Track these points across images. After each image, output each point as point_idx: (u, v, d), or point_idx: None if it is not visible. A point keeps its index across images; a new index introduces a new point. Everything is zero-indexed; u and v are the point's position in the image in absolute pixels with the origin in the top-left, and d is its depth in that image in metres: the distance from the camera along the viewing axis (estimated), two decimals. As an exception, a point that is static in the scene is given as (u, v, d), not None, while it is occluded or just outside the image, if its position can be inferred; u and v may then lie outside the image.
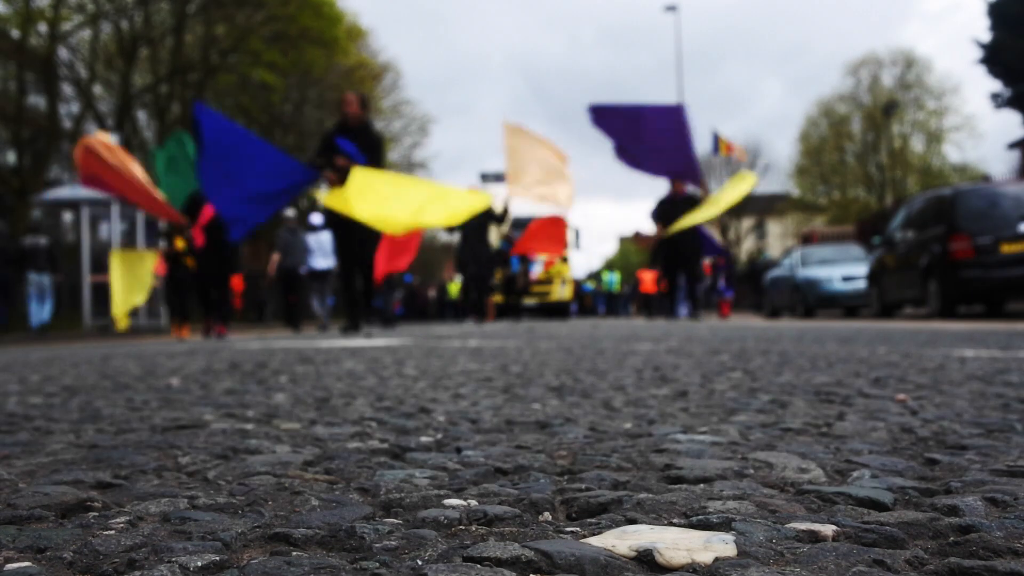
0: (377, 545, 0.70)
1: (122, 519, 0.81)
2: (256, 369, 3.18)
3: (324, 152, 7.86)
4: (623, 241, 70.13)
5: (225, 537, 0.73)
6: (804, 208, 46.09)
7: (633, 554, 0.65)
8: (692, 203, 11.48)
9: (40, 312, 14.34)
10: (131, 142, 27.13)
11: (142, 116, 29.68)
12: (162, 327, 15.73)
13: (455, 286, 25.26)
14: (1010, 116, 44.40)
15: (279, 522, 0.80)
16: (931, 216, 10.36)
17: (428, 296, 32.76)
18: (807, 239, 28.75)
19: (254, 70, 28.39)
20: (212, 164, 7.32)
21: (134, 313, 17.50)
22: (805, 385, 2.08)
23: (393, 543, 0.71)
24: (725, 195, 11.32)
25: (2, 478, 1.05)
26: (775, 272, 17.36)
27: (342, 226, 7.80)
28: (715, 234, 11.39)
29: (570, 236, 23.92)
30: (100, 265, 16.61)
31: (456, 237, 13.47)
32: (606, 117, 10.20)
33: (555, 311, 22.85)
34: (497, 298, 19.84)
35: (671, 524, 0.76)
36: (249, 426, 1.53)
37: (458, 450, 1.21)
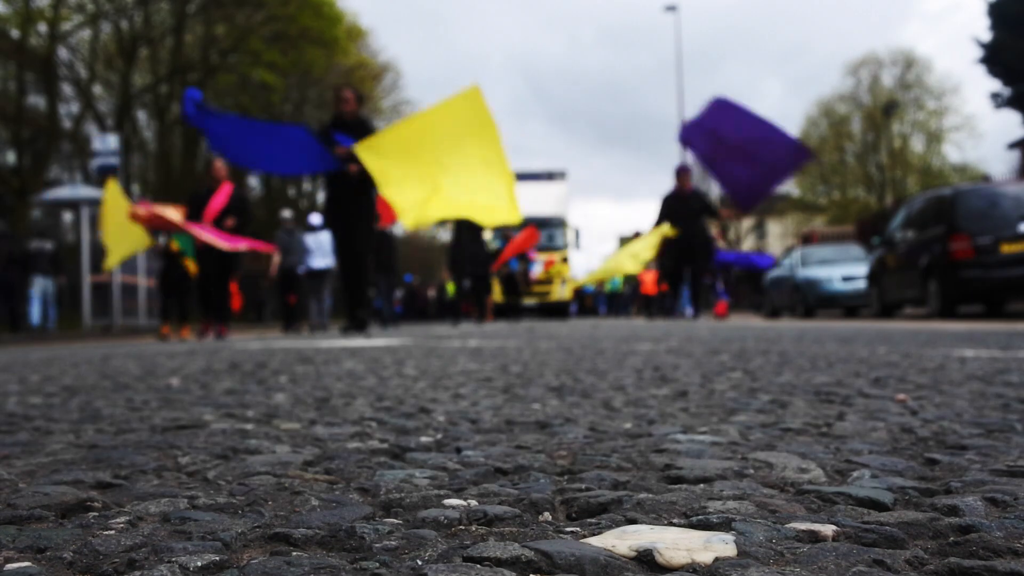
0: (377, 545, 0.70)
1: (122, 519, 0.81)
2: (256, 369, 3.18)
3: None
4: (623, 241, 70.18)
5: (225, 537, 0.73)
6: (804, 208, 46.09)
7: (633, 554, 0.65)
8: (700, 199, 11.40)
9: (40, 315, 14.49)
10: (131, 142, 27.15)
11: (142, 116, 29.71)
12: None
13: (454, 286, 25.27)
14: (1010, 116, 44.43)
15: (279, 522, 0.80)
16: (931, 216, 10.36)
17: (428, 296, 32.78)
18: (807, 239, 28.75)
19: (254, 70, 28.41)
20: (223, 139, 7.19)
21: (134, 313, 17.54)
22: (805, 385, 2.08)
23: (393, 543, 0.71)
24: (640, 248, 11.37)
25: (2, 478, 1.05)
26: (775, 272, 17.36)
27: (341, 226, 7.76)
28: (718, 239, 11.19)
29: (570, 236, 23.93)
30: (100, 265, 16.64)
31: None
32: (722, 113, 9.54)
33: (555, 311, 22.85)
34: (497, 298, 19.85)
35: (671, 524, 0.76)
36: (249, 426, 1.53)
37: (458, 450, 1.21)
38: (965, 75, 77.21)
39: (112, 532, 0.76)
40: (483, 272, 14.34)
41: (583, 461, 1.09)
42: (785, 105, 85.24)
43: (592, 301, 35.90)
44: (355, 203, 7.67)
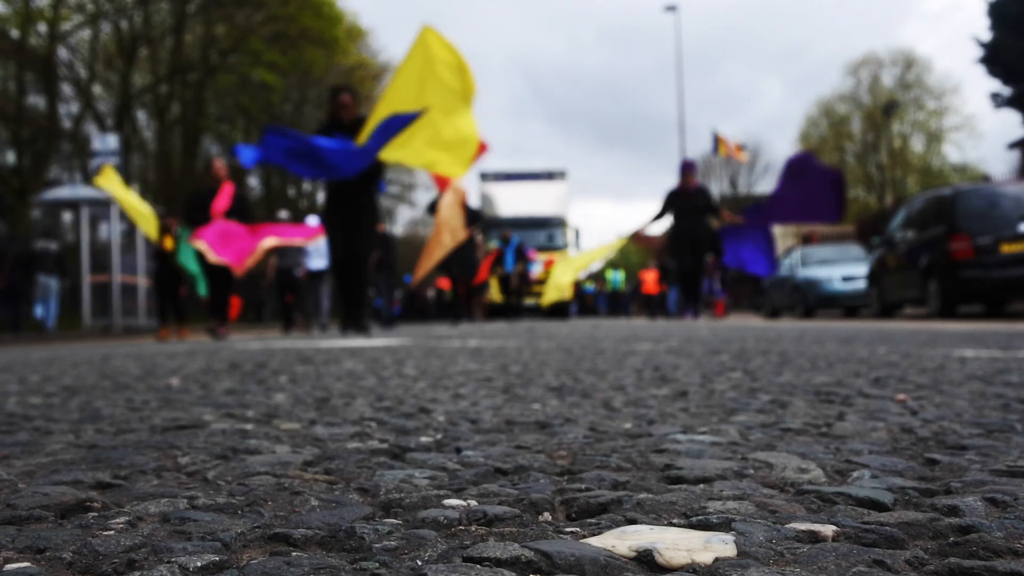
0: (377, 545, 0.70)
1: (122, 519, 0.81)
2: (256, 369, 3.18)
3: None
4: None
5: (225, 537, 0.73)
6: (804, 208, 46.02)
7: (633, 554, 0.65)
8: (704, 196, 11.37)
9: (45, 315, 14.56)
10: (131, 142, 27.15)
11: (142, 116, 29.72)
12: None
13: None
14: (1010, 116, 44.41)
15: (279, 522, 0.80)
16: (931, 216, 10.36)
17: (427, 296, 32.77)
18: (807, 239, 28.76)
19: (254, 70, 28.41)
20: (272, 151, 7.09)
21: (134, 313, 17.54)
22: (805, 385, 2.08)
23: (393, 543, 0.71)
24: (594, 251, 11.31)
25: (1, 478, 1.05)
26: (775, 272, 17.37)
27: (341, 227, 7.67)
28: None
29: (570, 236, 23.92)
30: (100, 265, 16.65)
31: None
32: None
33: (555, 311, 22.84)
34: (496, 298, 19.85)
35: (671, 524, 0.75)
36: (249, 426, 1.53)
37: (458, 450, 1.21)
38: (965, 75, 77.23)
39: (112, 532, 0.76)
40: (472, 274, 14.33)
41: (583, 461, 1.09)
42: (785, 105, 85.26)
43: (592, 301, 35.91)
44: (356, 203, 7.58)
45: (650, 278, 23.98)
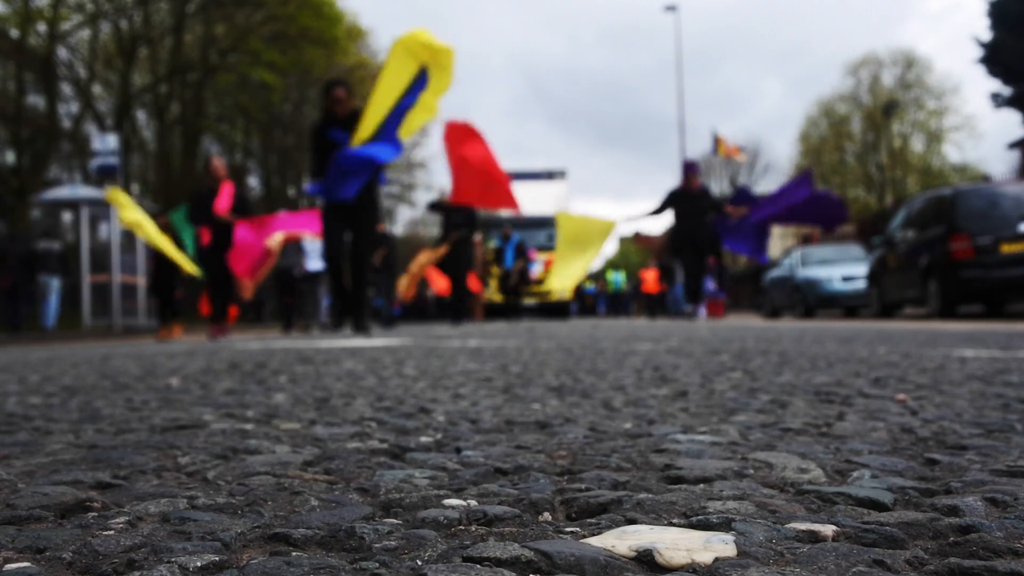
0: (377, 545, 0.70)
1: (121, 519, 0.81)
2: (256, 369, 3.18)
3: (320, 149, 7.62)
4: (623, 241, 70.09)
5: (225, 537, 0.73)
6: (804, 208, 46.04)
7: (633, 554, 0.65)
8: (709, 197, 11.28)
9: (46, 314, 14.65)
10: (131, 142, 27.14)
11: (141, 116, 29.70)
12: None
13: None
14: (1010, 116, 44.44)
15: (279, 522, 0.80)
16: (931, 216, 10.36)
17: (427, 296, 32.77)
18: (807, 239, 28.76)
19: (254, 70, 28.40)
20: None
21: (134, 313, 17.54)
22: (805, 385, 2.08)
23: (393, 543, 0.71)
24: (586, 244, 11.21)
25: (1, 478, 1.05)
26: (775, 272, 17.37)
27: (341, 227, 7.62)
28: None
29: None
30: (100, 265, 16.65)
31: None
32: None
33: (555, 311, 22.83)
34: (496, 297, 19.83)
35: (671, 524, 0.75)
36: (249, 426, 1.53)
37: (458, 450, 1.21)
38: (965, 75, 77.20)
39: (111, 532, 0.76)
40: (467, 273, 14.30)
41: (583, 461, 1.09)
42: (785, 105, 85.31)
43: (592, 301, 35.90)
44: (356, 200, 7.51)
45: (650, 277, 23.98)
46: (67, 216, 18.82)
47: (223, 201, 8.70)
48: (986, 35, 27.96)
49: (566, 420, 1.52)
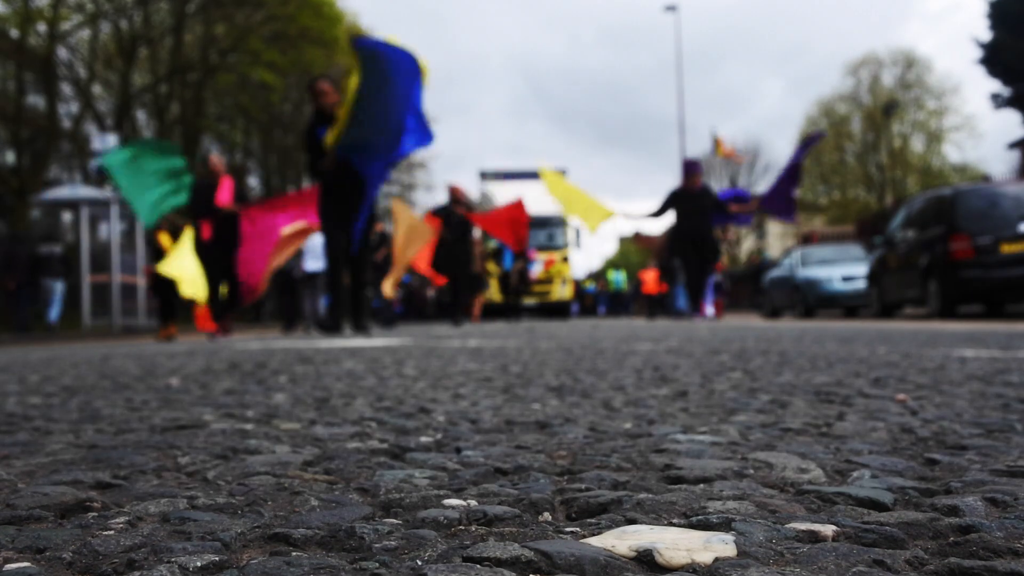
0: (377, 545, 0.70)
1: (121, 519, 0.81)
2: (256, 369, 3.18)
3: (313, 148, 7.57)
4: (623, 241, 70.12)
5: (225, 537, 0.73)
6: (804, 208, 46.09)
7: (633, 554, 0.65)
8: (710, 197, 11.19)
9: (50, 315, 14.75)
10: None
11: (141, 116, 29.68)
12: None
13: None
14: (1010, 116, 44.45)
15: (279, 522, 0.80)
16: (931, 216, 10.36)
17: (427, 296, 32.77)
18: (807, 239, 28.76)
19: (254, 70, 28.39)
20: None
21: (134, 313, 17.54)
22: (805, 385, 2.08)
23: (393, 543, 0.71)
24: (587, 208, 11.29)
25: (1, 478, 1.05)
26: (775, 272, 17.37)
27: (336, 225, 7.55)
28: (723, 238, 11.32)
29: (571, 236, 23.91)
30: (100, 265, 16.66)
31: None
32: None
33: (555, 311, 22.83)
34: (496, 297, 19.82)
35: (671, 524, 0.75)
36: (249, 426, 1.53)
37: (458, 450, 1.21)
38: (965, 75, 77.27)
39: (111, 532, 0.76)
40: (465, 273, 14.28)
41: (583, 461, 1.09)
42: (785, 105, 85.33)
43: (592, 301, 35.90)
44: (351, 201, 7.46)
45: (650, 278, 23.97)
46: (67, 216, 18.83)
47: (224, 194, 8.68)
48: (986, 35, 27.97)
49: (566, 420, 1.52)
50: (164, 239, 10.40)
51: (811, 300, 14.88)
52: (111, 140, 17.21)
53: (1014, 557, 0.64)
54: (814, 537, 0.70)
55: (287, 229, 8.84)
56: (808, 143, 11.14)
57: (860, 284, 13.81)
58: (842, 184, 45.34)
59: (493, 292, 19.76)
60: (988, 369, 2.41)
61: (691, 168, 11.19)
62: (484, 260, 17.63)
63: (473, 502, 0.86)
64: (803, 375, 2.37)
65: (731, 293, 26.33)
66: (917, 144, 44.42)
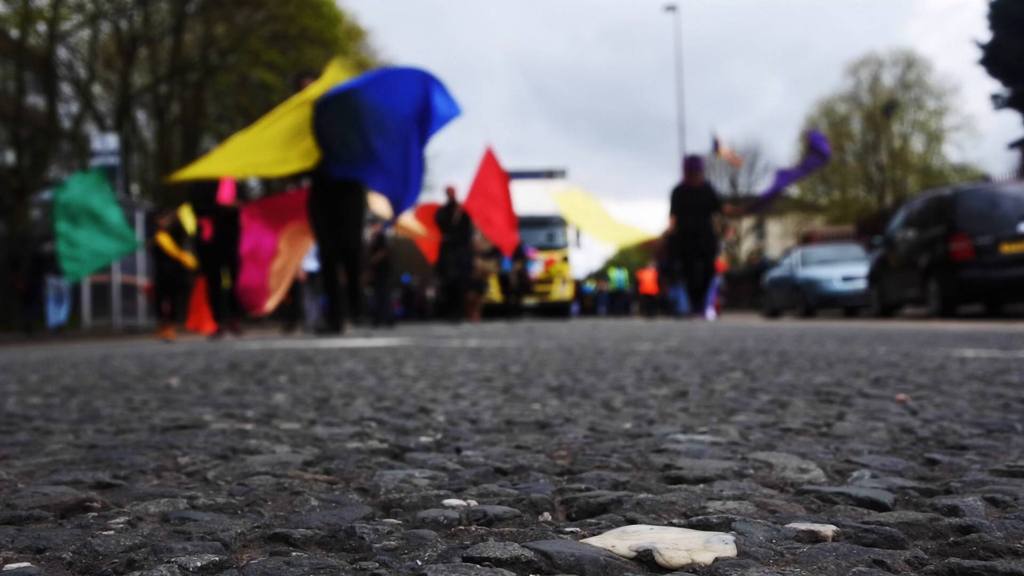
0: (377, 545, 0.70)
1: (121, 519, 0.81)
2: (256, 369, 3.18)
3: None
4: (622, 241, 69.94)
5: (225, 537, 0.73)
6: (804, 208, 46.11)
7: (633, 554, 0.65)
8: (710, 194, 11.12)
9: (57, 314, 14.83)
10: (130, 142, 27.13)
11: (141, 116, 29.69)
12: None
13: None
14: (1010, 116, 44.42)
15: (279, 522, 0.80)
16: (931, 216, 10.36)
17: (426, 296, 32.76)
18: (807, 239, 28.76)
19: (254, 70, 28.39)
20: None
21: (134, 313, 17.54)
22: (805, 385, 2.08)
23: (393, 543, 0.71)
24: (620, 231, 11.47)
25: (1, 478, 1.05)
26: (775, 272, 17.37)
27: (327, 223, 7.48)
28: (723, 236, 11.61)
29: (571, 235, 23.91)
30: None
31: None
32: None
33: (555, 311, 22.82)
34: (496, 297, 19.81)
35: (671, 524, 0.75)
36: (249, 426, 1.53)
37: (458, 450, 1.21)
38: (965, 75, 77.28)
39: (111, 532, 0.76)
40: (465, 274, 14.27)
41: (583, 461, 1.09)
42: (785, 105, 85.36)
43: (592, 301, 35.90)
44: (341, 198, 7.36)
45: (648, 278, 23.97)
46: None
47: (225, 193, 8.67)
48: (986, 36, 27.97)
49: (566, 420, 1.52)
50: (164, 240, 10.38)
51: (811, 300, 14.88)
52: (111, 140, 17.22)
53: (1014, 557, 0.64)
54: (814, 537, 0.70)
55: (283, 243, 8.78)
56: (810, 166, 11.41)
57: (860, 284, 13.81)
58: (842, 184, 45.34)
59: (493, 292, 19.75)
60: (988, 369, 2.41)
61: (693, 164, 11.08)
62: (485, 260, 17.62)
63: (473, 502, 0.86)
64: (803, 375, 2.37)
65: (731, 293, 26.34)
66: (917, 144, 44.45)
